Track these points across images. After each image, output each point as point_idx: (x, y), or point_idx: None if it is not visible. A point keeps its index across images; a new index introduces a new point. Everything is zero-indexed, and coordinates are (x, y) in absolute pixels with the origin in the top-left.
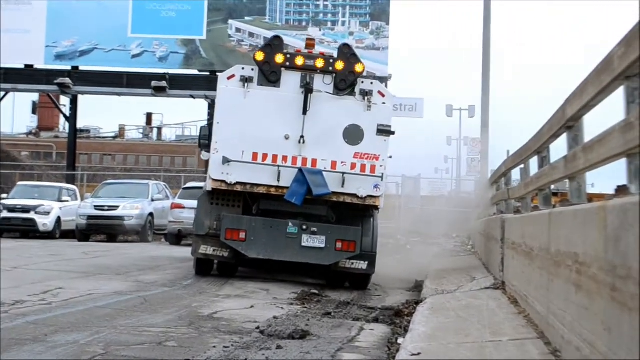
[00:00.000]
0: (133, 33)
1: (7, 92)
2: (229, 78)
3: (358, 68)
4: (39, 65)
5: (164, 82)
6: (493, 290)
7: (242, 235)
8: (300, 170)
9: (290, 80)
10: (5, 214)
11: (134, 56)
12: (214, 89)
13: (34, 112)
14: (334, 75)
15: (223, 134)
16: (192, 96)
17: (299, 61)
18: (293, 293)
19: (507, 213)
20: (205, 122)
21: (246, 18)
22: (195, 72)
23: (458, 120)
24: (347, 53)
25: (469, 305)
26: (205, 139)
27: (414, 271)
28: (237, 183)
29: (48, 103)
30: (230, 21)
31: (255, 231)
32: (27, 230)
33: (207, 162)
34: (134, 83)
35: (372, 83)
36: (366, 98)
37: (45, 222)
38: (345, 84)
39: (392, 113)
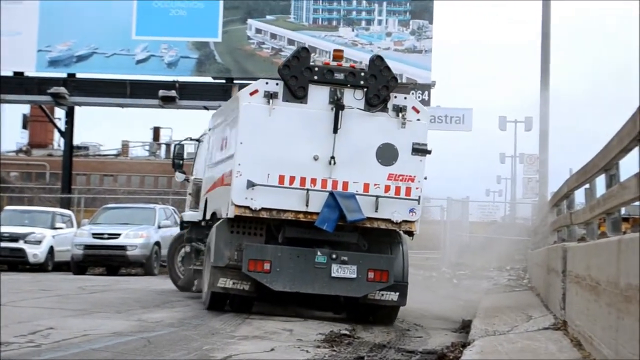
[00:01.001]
0: (138, 35)
1: None
2: (251, 94)
3: (392, 82)
4: (30, 72)
5: (174, 91)
6: (553, 331)
7: (267, 266)
8: (331, 194)
9: (318, 96)
10: None
11: (138, 61)
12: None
13: (24, 126)
14: (365, 89)
15: (247, 155)
16: (205, 107)
17: (330, 75)
18: (320, 334)
19: (570, 241)
20: (187, 139)
21: (267, 17)
22: (209, 79)
23: (513, 134)
24: (379, 65)
25: (524, 349)
26: (179, 158)
27: (461, 309)
28: (263, 209)
29: (40, 116)
30: (249, 21)
31: (281, 261)
32: (15, 262)
33: (182, 185)
34: (138, 92)
35: (405, 98)
36: (400, 114)
37: (36, 253)
38: (378, 99)
39: (427, 130)
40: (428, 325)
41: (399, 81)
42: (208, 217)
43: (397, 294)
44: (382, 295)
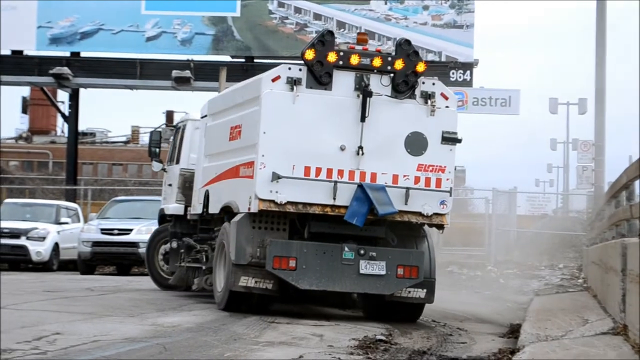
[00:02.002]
0: (148, 9)
1: None
2: (273, 80)
3: (420, 67)
4: (30, 51)
5: (188, 71)
6: (612, 336)
7: (292, 263)
8: (360, 186)
9: (343, 82)
10: None
11: (149, 39)
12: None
13: (24, 111)
14: (392, 75)
15: (271, 145)
16: None
17: (354, 60)
18: (353, 339)
19: (630, 236)
20: (163, 125)
21: None
22: (227, 58)
23: (565, 118)
24: (406, 50)
25: (580, 356)
26: (155, 146)
27: (509, 311)
28: (288, 203)
29: (42, 99)
30: None
31: (307, 258)
32: (16, 260)
33: (157, 174)
34: (149, 73)
35: (434, 84)
36: (429, 101)
37: (39, 250)
38: (406, 85)
39: (457, 118)
40: (472, 330)
41: (438, 59)
42: (213, 210)
43: (425, 290)
44: (409, 292)
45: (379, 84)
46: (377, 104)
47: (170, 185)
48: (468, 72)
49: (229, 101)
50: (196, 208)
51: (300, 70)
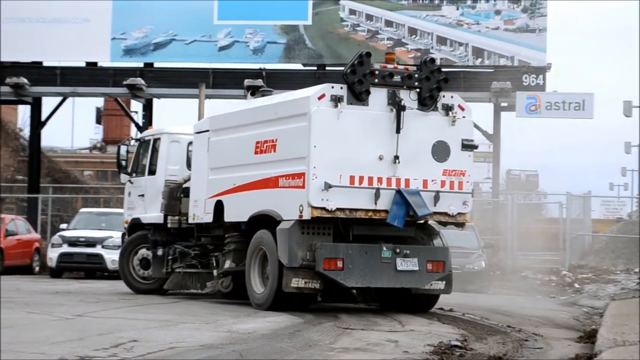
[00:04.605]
0: (220, 19)
1: (65, 97)
2: (319, 98)
3: (442, 83)
4: (104, 62)
5: (260, 80)
6: None
7: (340, 264)
8: (398, 191)
9: (378, 98)
10: (65, 248)
11: (221, 48)
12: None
13: (98, 121)
14: (419, 90)
15: (321, 158)
16: None
17: (388, 78)
18: (428, 345)
19: None
20: (130, 139)
21: None
22: (298, 66)
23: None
24: (431, 67)
25: None
26: (124, 159)
27: (585, 316)
28: (337, 209)
29: (116, 109)
30: (342, 1)
31: (352, 259)
32: (92, 269)
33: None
34: (222, 82)
35: (452, 97)
36: (449, 113)
37: (114, 258)
38: (431, 99)
39: (472, 126)
40: (548, 335)
41: (511, 64)
42: (233, 219)
43: (444, 282)
44: (431, 284)
45: (409, 99)
46: (408, 117)
47: (141, 195)
48: (541, 76)
49: (246, 118)
50: (200, 217)
51: (341, 88)
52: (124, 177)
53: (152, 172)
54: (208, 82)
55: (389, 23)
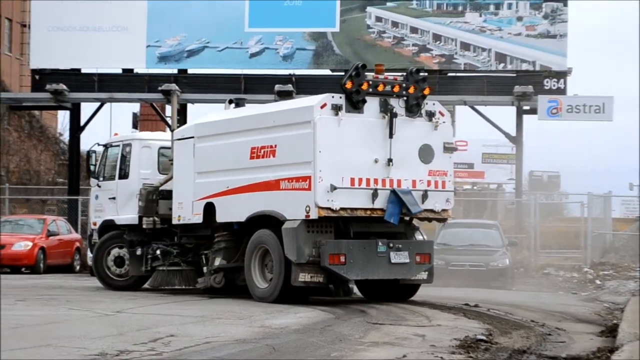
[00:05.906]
0: (251, 27)
1: (102, 102)
2: (322, 107)
3: (426, 91)
4: (140, 69)
5: (290, 85)
6: None
7: (342, 259)
8: (393, 191)
9: (371, 106)
10: None
11: (252, 55)
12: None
13: (134, 125)
14: (406, 98)
15: (326, 162)
16: None
17: (381, 87)
18: (455, 339)
19: None
20: (97, 145)
21: (388, 4)
22: (327, 72)
23: None
24: (416, 77)
25: None
26: (93, 164)
27: (606, 311)
28: (341, 209)
29: (151, 114)
30: (368, 9)
31: (353, 254)
32: None
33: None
34: (253, 87)
35: (434, 104)
36: (433, 119)
37: None
38: (417, 106)
39: (452, 131)
40: (570, 329)
41: (532, 69)
42: (226, 219)
43: (427, 272)
44: (416, 275)
45: (398, 106)
46: (398, 123)
47: (112, 198)
48: (562, 80)
49: (239, 125)
50: (187, 218)
51: (340, 97)
52: (93, 182)
53: (123, 176)
54: (239, 88)
55: (414, 30)
